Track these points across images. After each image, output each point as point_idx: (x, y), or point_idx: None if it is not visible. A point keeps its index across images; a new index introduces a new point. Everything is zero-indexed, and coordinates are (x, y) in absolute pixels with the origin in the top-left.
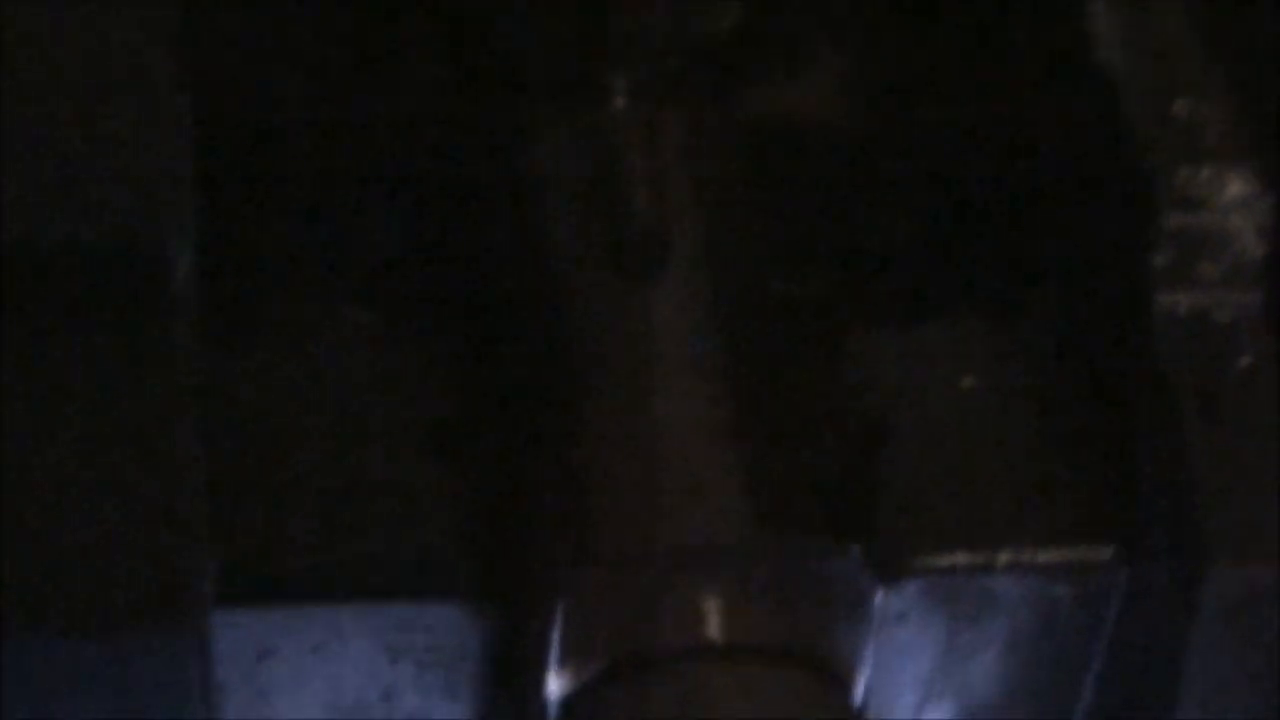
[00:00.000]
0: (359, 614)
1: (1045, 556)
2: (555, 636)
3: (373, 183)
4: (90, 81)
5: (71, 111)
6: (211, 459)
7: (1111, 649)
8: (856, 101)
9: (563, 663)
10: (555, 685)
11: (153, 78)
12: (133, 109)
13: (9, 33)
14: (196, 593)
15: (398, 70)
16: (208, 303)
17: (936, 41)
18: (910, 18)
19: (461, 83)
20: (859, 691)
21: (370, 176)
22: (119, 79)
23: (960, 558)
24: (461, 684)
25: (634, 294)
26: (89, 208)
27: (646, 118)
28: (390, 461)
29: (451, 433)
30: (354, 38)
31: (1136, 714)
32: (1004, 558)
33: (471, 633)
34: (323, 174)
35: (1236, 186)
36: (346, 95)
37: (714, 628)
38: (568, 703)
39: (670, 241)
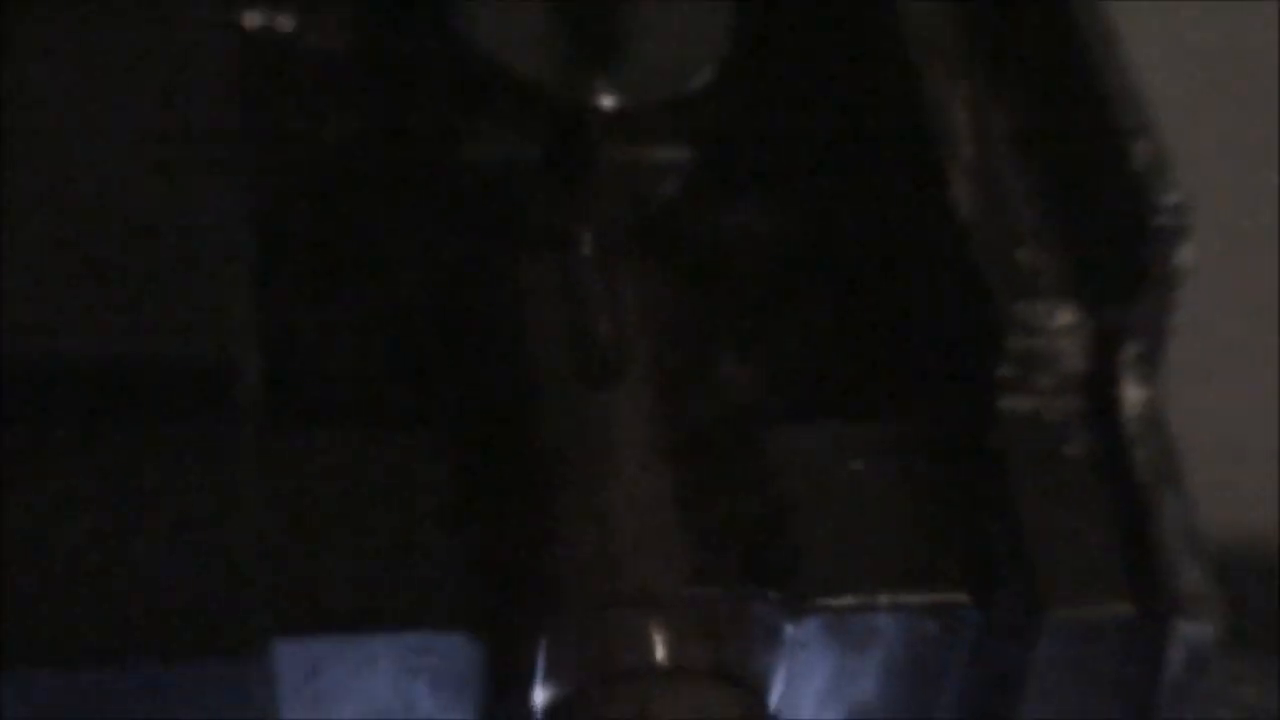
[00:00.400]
0: (384, 641)
1: (914, 599)
2: (539, 662)
3: (385, 308)
4: (160, 215)
5: (137, 229)
6: (270, 522)
7: (968, 676)
8: (776, 252)
9: (545, 681)
10: (540, 698)
11: (221, 209)
12: (203, 229)
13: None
14: (261, 624)
15: (414, 215)
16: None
17: (836, 208)
18: (815, 194)
19: (461, 227)
20: (771, 702)
21: (382, 304)
22: (188, 219)
23: (849, 600)
24: (468, 697)
25: (596, 399)
26: (162, 316)
27: (607, 262)
28: (408, 528)
29: (456, 506)
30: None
31: None
32: (883, 600)
33: (473, 657)
34: (343, 294)
35: (1065, 316)
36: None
37: (661, 655)
38: (549, 711)
39: (624, 360)
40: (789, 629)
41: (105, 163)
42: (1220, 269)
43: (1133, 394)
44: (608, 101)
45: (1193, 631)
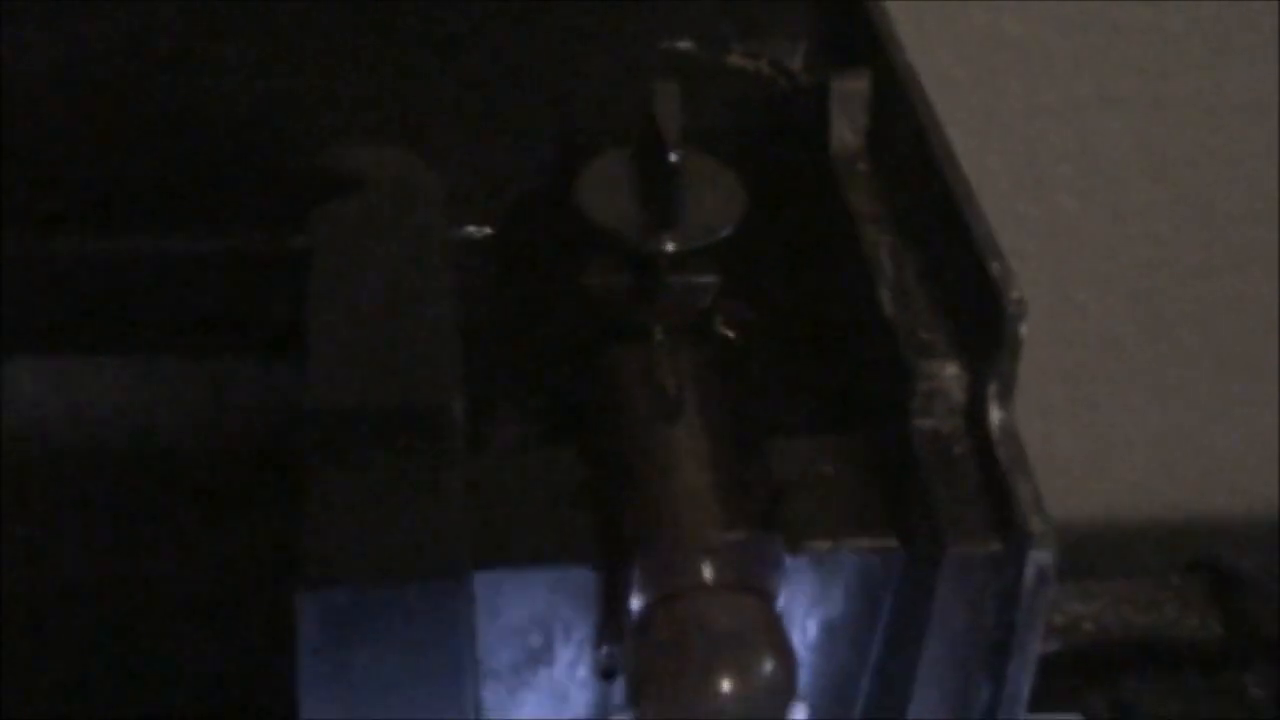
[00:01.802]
0: (542, 572)
1: (865, 543)
2: (634, 583)
3: (538, 376)
4: (399, 312)
5: (392, 325)
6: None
7: (899, 593)
8: (773, 337)
9: (637, 596)
10: (634, 606)
11: (438, 311)
12: (429, 327)
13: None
14: (465, 561)
15: (554, 319)
16: None
17: (810, 310)
18: (797, 302)
19: (582, 326)
20: (778, 608)
21: (537, 373)
22: (418, 313)
23: (824, 544)
24: (591, 606)
25: (666, 428)
26: (408, 384)
27: (670, 346)
28: (554, 504)
29: (583, 492)
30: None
31: (908, 640)
32: (846, 544)
33: (594, 581)
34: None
35: (951, 369)
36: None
37: (710, 576)
38: (640, 615)
39: (682, 403)
40: (788, 560)
41: (379, 297)
42: (1220, 279)
43: (995, 414)
44: (669, 247)
45: (1039, 557)
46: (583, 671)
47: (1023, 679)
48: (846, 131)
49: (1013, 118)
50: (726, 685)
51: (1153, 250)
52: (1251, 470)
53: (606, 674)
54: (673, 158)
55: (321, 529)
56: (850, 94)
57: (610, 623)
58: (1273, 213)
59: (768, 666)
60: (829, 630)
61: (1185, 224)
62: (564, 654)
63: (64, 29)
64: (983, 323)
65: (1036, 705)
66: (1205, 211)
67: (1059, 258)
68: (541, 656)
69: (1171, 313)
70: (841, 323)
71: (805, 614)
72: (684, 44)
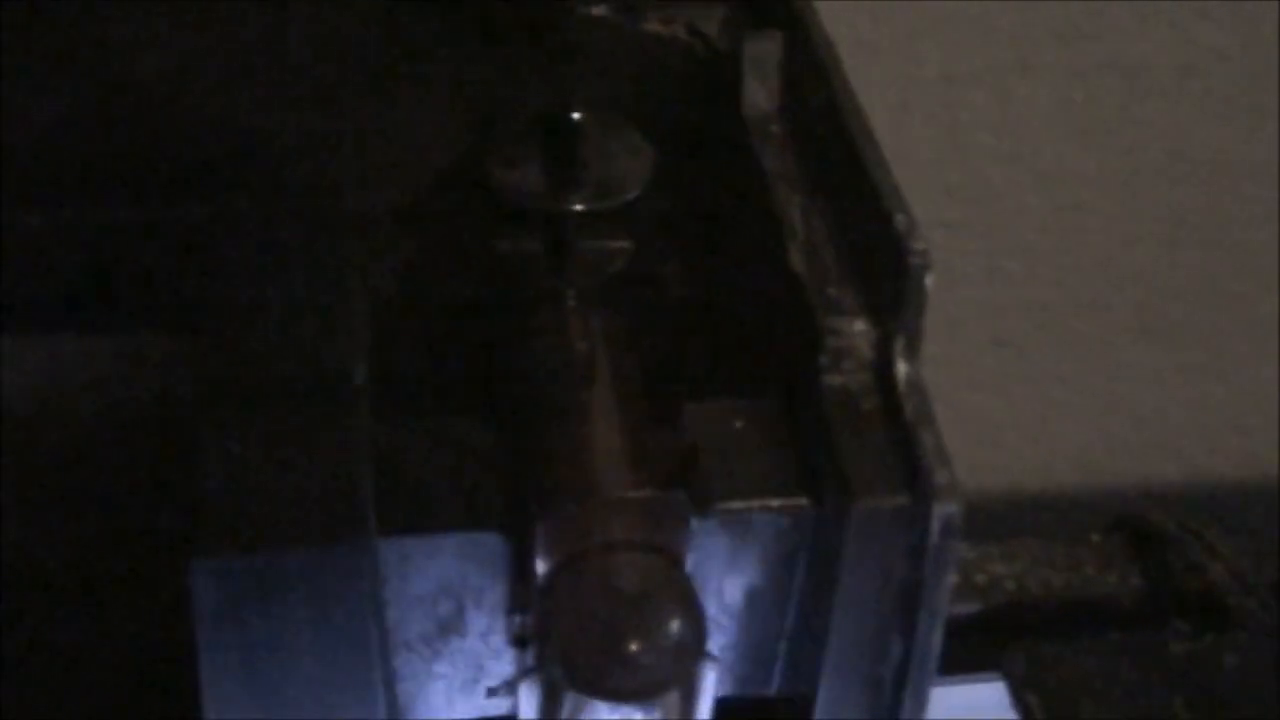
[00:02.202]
0: (448, 539)
1: (775, 503)
2: (539, 545)
3: (449, 340)
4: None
5: (298, 294)
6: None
7: (811, 552)
8: (683, 299)
9: (543, 557)
10: (540, 568)
11: (345, 279)
12: (336, 295)
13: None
14: (369, 529)
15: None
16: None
17: (720, 270)
18: (707, 263)
19: (481, 288)
20: (687, 568)
21: (448, 337)
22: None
23: (736, 504)
24: (500, 572)
25: (577, 392)
26: (310, 351)
27: (582, 311)
28: (460, 469)
29: (489, 457)
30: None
31: (821, 598)
32: (755, 504)
33: (501, 546)
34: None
35: (859, 325)
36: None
37: (617, 534)
38: (547, 577)
39: (594, 367)
40: (695, 523)
41: (287, 266)
42: (1147, 244)
43: (902, 370)
44: (578, 208)
45: (944, 510)
46: (497, 640)
47: (933, 634)
48: (759, 93)
49: (933, 86)
50: (633, 645)
51: (1079, 217)
52: (1188, 436)
53: (520, 641)
54: (575, 116)
55: (217, 495)
56: (762, 56)
57: (522, 589)
58: (1199, 178)
59: (674, 626)
60: (745, 593)
61: (1111, 191)
62: (477, 622)
63: None
64: (888, 277)
65: (958, 667)
66: (1131, 177)
67: (986, 227)
68: (453, 626)
69: (1100, 279)
70: (749, 284)
71: (721, 577)
72: (600, 10)
